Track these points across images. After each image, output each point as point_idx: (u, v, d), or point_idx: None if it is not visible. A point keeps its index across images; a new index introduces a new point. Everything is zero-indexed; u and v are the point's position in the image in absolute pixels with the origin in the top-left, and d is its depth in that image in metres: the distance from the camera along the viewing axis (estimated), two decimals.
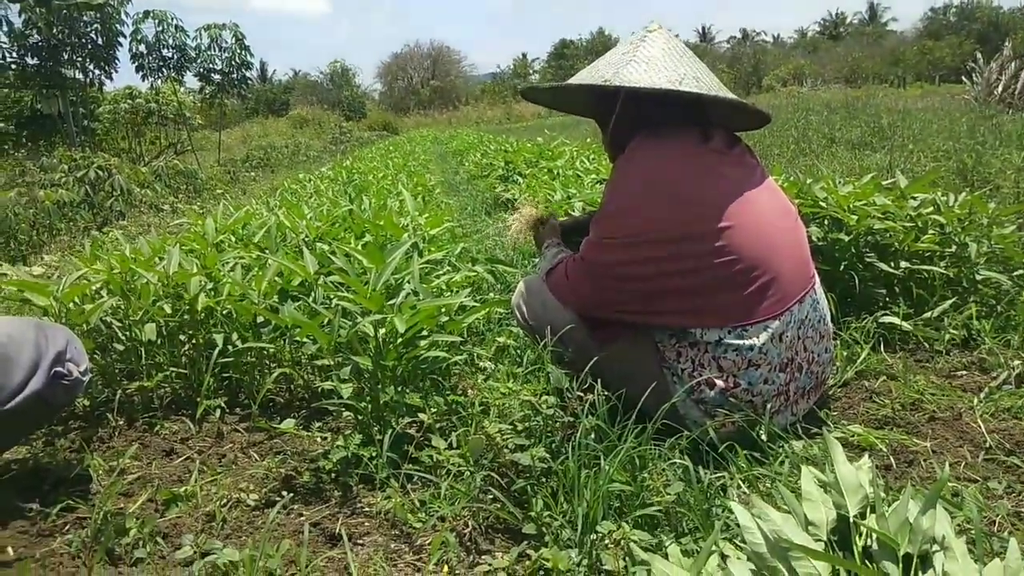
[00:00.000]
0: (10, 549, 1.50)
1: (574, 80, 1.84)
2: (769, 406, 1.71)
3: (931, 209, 2.68)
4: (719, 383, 1.69)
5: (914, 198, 2.76)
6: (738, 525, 1.35)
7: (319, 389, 2.08)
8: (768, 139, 9.72)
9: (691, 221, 1.66)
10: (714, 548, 1.22)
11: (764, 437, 1.66)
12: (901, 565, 0.96)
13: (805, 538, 1.03)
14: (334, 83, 52.47)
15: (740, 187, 1.73)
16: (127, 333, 2.21)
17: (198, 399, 2.05)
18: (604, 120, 1.93)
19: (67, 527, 1.58)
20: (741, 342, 1.68)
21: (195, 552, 1.33)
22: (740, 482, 1.56)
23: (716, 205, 1.67)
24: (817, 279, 1.87)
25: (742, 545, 1.28)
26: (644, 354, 1.78)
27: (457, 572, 1.30)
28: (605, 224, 1.78)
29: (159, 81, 16.13)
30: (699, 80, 1.72)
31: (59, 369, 1.58)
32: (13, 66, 13.90)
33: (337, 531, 1.46)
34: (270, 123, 28.31)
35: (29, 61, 13.91)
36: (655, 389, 1.71)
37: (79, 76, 14.83)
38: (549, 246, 2.14)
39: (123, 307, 2.19)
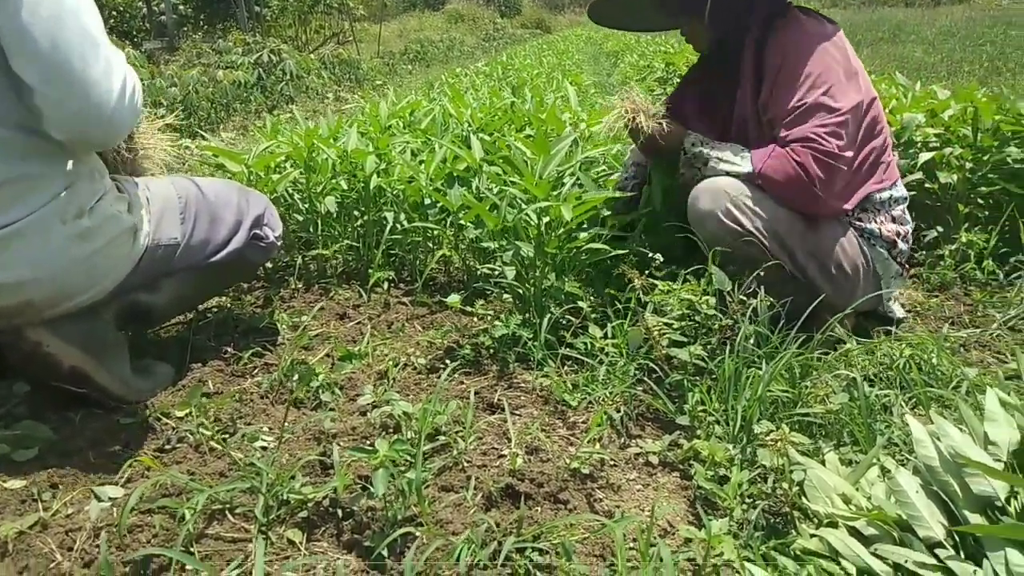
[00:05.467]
0: (209, 383, 1.70)
1: None
2: None
3: None
4: (902, 229, 1.88)
5: None
6: (903, 442, 1.33)
7: (477, 271, 2.17)
8: (958, 54, 8.75)
9: (869, 89, 1.82)
10: (874, 461, 1.20)
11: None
12: None
13: (983, 456, 0.99)
14: None
15: None
16: (307, 204, 2.37)
17: (368, 270, 2.19)
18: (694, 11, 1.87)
19: (256, 371, 1.77)
20: (901, 193, 1.90)
21: (373, 401, 1.46)
22: (904, 402, 1.51)
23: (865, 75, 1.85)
24: None
25: (906, 460, 1.26)
26: (845, 232, 1.83)
27: (609, 450, 1.36)
28: (828, 104, 1.70)
29: None
30: None
31: (258, 231, 1.73)
32: None
33: (495, 400, 1.55)
34: (426, 17, 28.32)
35: None
36: (864, 274, 1.82)
37: None
38: (704, 143, 1.83)
39: (304, 180, 2.34)
